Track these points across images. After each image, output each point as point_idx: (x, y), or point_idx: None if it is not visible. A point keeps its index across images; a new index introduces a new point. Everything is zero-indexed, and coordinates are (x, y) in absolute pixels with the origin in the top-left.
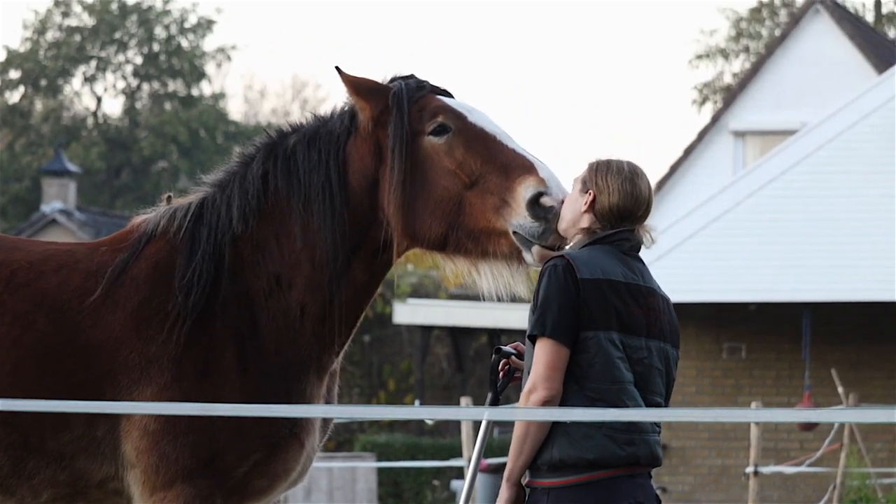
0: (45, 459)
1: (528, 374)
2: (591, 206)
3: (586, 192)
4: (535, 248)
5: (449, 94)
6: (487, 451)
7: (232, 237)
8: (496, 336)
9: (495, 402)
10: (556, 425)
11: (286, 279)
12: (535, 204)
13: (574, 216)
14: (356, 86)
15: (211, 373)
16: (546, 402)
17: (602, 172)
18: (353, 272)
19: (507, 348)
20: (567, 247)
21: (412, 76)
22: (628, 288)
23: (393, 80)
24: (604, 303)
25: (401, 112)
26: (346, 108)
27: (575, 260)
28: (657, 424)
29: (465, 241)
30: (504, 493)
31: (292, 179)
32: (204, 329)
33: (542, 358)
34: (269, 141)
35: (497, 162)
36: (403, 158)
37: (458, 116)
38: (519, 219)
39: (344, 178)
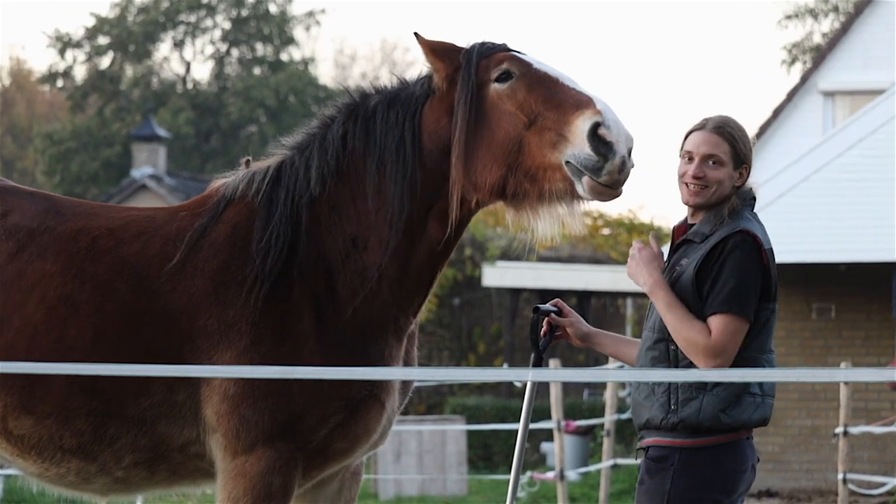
0: (126, 425)
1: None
2: (744, 180)
3: (739, 167)
4: (586, 179)
5: (522, 54)
6: (576, 413)
7: (309, 199)
8: (586, 298)
9: (538, 363)
10: (698, 389)
11: (362, 240)
12: (594, 136)
13: (727, 192)
14: (432, 48)
15: (289, 336)
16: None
17: (744, 141)
18: (429, 232)
19: (547, 306)
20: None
21: (490, 42)
22: (772, 253)
23: (472, 44)
24: (775, 273)
25: (469, 66)
26: (426, 74)
27: (756, 232)
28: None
29: (523, 182)
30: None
31: (370, 140)
32: (282, 292)
33: (734, 332)
34: (350, 102)
35: (556, 100)
36: (468, 108)
37: (524, 63)
38: (574, 149)
39: (419, 140)
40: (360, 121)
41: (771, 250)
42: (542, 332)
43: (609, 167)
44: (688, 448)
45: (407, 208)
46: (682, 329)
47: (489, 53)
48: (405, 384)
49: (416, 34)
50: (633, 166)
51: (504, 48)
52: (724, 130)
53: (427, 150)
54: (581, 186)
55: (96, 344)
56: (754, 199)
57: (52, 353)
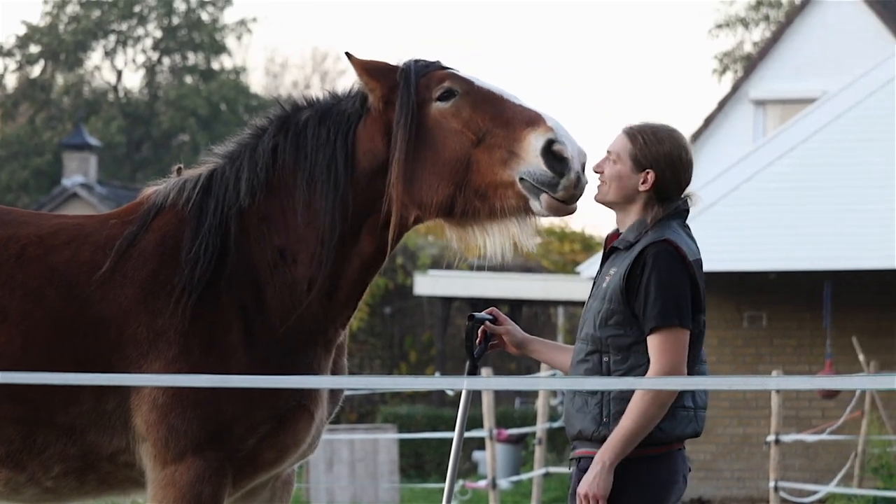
0: (55, 433)
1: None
2: (654, 186)
3: (642, 169)
4: (544, 197)
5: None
6: (508, 421)
7: (239, 210)
8: (517, 306)
9: (474, 371)
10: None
11: (291, 253)
12: (548, 152)
13: (627, 192)
14: (366, 68)
15: (217, 346)
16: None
17: (653, 145)
18: (361, 246)
19: (482, 314)
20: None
21: (423, 59)
22: (699, 264)
23: (405, 62)
24: (702, 284)
25: (408, 85)
26: (359, 91)
27: (678, 242)
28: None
29: (472, 200)
30: (608, 477)
31: (300, 155)
32: (210, 302)
33: (680, 346)
34: (282, 114)
35: (504, 117)
36: (408, 128)
37: (466, 81)
38: (528, 166)
39: (352, 159)
40: (291, 135)
41: (698, 262)
42: (476, 341)
43: (565, 182)
44: (624, 459)
45: (339, 226)
46: (643, 409)
47: (426, 72)
48: (334, 394)
49: (347, 54)
50: (587, 182)
51: (439, 66)
52: (631, 131)
53: (360, 169)
54: (538, 203)
55: (25, 351)
56: (687, 211)
57: None
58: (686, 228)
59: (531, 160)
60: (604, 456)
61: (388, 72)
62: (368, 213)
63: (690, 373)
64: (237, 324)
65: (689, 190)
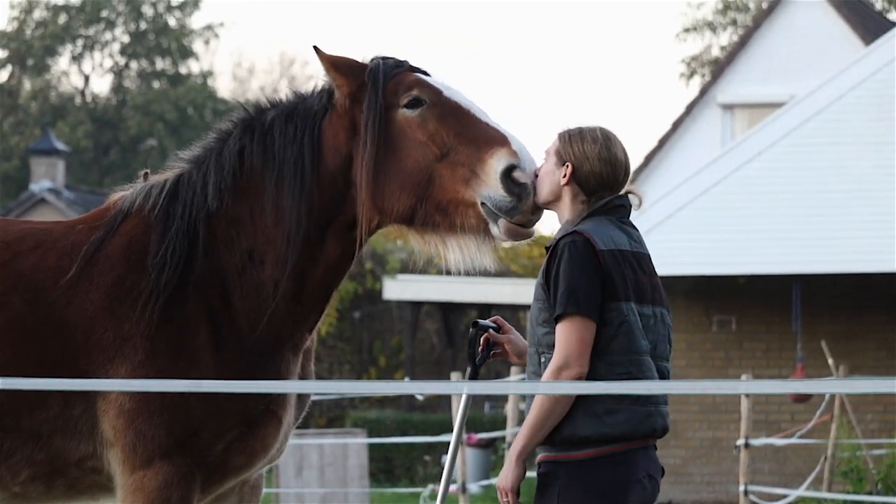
0: (21, 438)
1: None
2: (571, 178)
3: (563, 164)
4: (502, 222)
5: (427, 74)
6: (477, 425)
7: (207, 214)
8: (486, 311)
9: (475, 377)
10: (577, 401)
11: (259, 255)
12: (507, 177)
13: (553, 188)
14: (334, 63)
15: (184, 351)
16: (579, 380)
17: (577, 142)
18: (327, 248)
19: (486, 322)
20: (562, 222)
21: (391, 57)
22: (634, 256)
23: (372, 59)
24: (621, 273)
25: (376, 87)
26: (325, 87)
27: (590, 233)
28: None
29: (433, 214)
30: (515, 470)
31: (267, 155)
32: (177, 307)
33: (574, 335)
34: (246, 116)
35: (469, 134)
36: (376, 132)
37: (434, 91)
38: (489, 190)
39: (318, 155)
40: (258, 135)
41: (614, 251)
42: (479, 348)
43: (522, 207)
44: (571, 462)
45: (304, 223)
46: (539, 403)
47: (395, 73)
48: (301, 398)
49: (315, 48)
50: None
51: (408, 67)
52: (561, 132)
53: (325, 165)
54: (496, 228)
55: None
56: (622, 206)
57: None
58: (620, 224)
59: (492, 183)
60: (512, 450)
61: (357, 69)
62: (333, 213)
63: (623, 365)
64: (204, 328)
65: (632, 188)
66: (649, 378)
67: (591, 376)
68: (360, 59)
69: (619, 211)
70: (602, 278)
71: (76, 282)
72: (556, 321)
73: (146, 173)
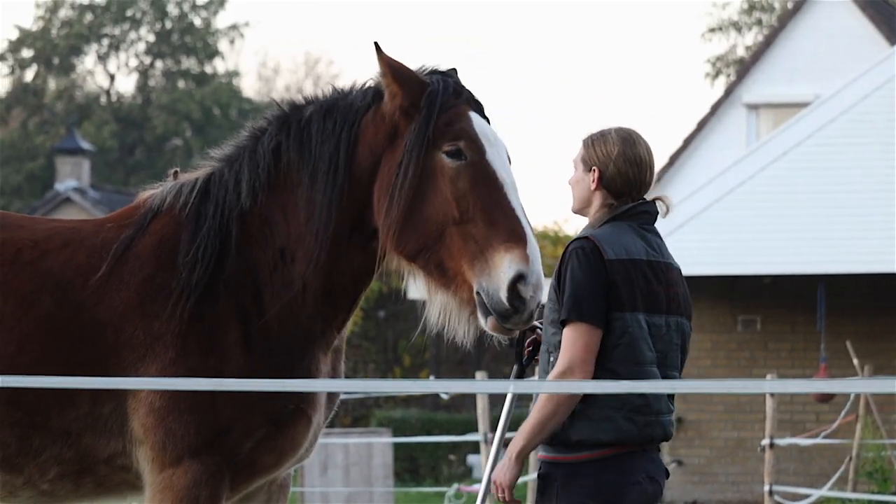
0: (50, 437)
1: (557, 355)
2: (600, 183)
3: (590, 169)
4: (491, 320)
5: (481, 108)
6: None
7: (240, 212)
8: None
9: (521, 376)
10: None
11: (290, 253)
12: (513, 287)
13: (584, 195)
14: (393, 69)
15: (215, 349)
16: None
17: (599, 145)
18: (353, 247)
19: (534, 323)
20: (587, 224)
21: (452, 75)
22: (650, 265)
23: (432, 73)
24: (630, 283)
25: (429, 117)
26: (371, 85)
27: (600, 241)
28: (672, 404)
29: (432, 267)
30: (513, 468)
31: (304, 150)
32: (208, 305)
33: (578, 341)
34: (281, 114)
35: (493, 215)
36: (415, 168)
37: (477, 149)
38: (490, 285)
39: (353, 151)
40: (294, 131)
41: (624, 261)
42: (526, 348)
43: (516, 319)
44: (567, 463)
45: (335, 219)
46: (540, 406)
47: (451, 106)
48: (331, 398)
49: (376, 46)
50: (536, 309)
51: (466, 98)
52: (585, 137)
53: (358, 163)
54: (484, 321)
55: (20, 355)
56: (647, 213)
57: None
58: (642, 231)
59: (495, 281)
60: (511, 448)
61: (415, 84)
62: (359, 217)
63: (624, 376)
64: (235, 326)
65: (659, 194)
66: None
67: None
68: (418, 71)
69: (642, 217)
70: (608, 287)
71: (106, 280)
72: (563, 325)
73: (176, 172)
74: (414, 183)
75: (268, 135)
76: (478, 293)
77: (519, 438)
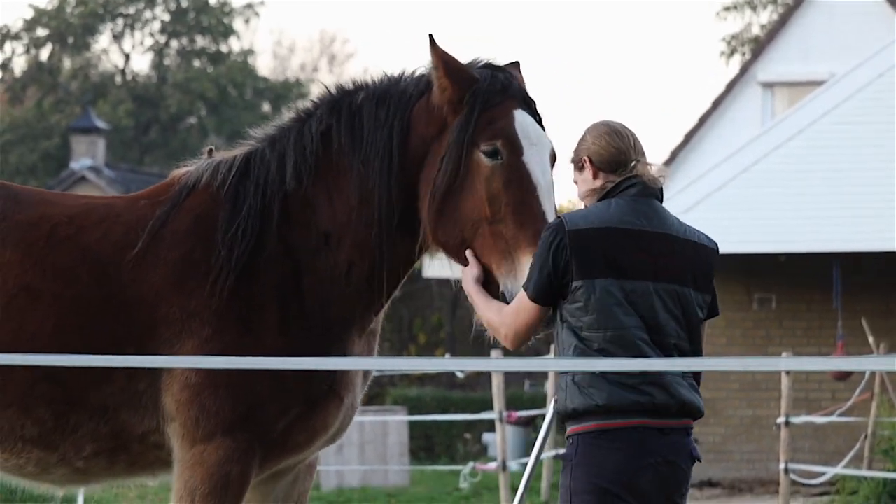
0: (87, 413)
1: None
2: (594, 167)
3: (582, 166)
4: None
5: (532, 104)
6: (517, 403)
7: (283, 194)
8: None
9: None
10: (564, 377)
11: (335, 237)
12: None
13: (587, 188)
14: (445, 63)
15: (252, 328)
16: (504, 339)
17: (581, 139)
18: (399, 237)
19: None
20: None
21: (503, 69)
22: (627, 233)
23: (486, 66)
24: (596, 251)
25: (471, 115)
26: (424, 74)
27: (569, 215)
28: (687, 371)
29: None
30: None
31: (356, 136)
32: (247, 284)
33: (515, 307)
34: (331, 98)
35: (521, 218)
36: (456, 167)
37: (515, 149)
38: (514, 287)
39: (406, 140)
40: (345, 116)
41: (598, 229)
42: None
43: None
44: (580, 434)
45: (386, 208)
46: (492, 319)
47: (496, 103)
48: (365, 377)
49: (430, 39)
50: None
51: (512, 91)
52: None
53: (410, 151)
54: None
55: (58, 332)
56: (633, 186)
57: (14, 342)
58: (634, 203)
59: (518, 286)
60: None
61: (465, 79)
62: (407, 207)
63: (576, 338)
64: (273, 307)
65: (652, 168)
66: (631, 355)
67: (566, 353)
68: (471, 65)
69: (634, 189)
70: (565, 260)
71: (142, 257)
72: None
73: (211, 150)
74: (452, 180)
75: (316, 118)
76: (502, 293)
77: (473, 296)
